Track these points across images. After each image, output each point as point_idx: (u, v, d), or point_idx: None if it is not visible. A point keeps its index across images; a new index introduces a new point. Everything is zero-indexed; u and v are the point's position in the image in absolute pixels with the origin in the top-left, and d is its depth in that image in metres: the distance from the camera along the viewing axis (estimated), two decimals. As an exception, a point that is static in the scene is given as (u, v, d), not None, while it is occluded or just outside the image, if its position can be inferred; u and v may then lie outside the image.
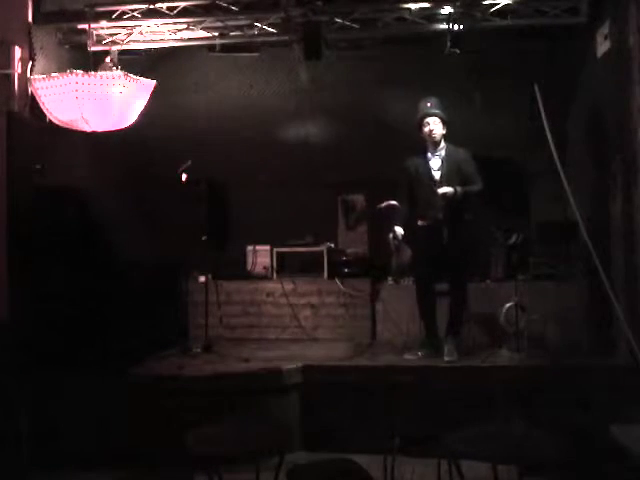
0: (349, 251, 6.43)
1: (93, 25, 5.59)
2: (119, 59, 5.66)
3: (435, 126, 5.05)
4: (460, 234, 5.00)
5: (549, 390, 4.48)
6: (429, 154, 5.14)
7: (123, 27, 5.69)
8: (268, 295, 6.38)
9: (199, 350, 5.51)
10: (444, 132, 5.11)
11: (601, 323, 5.23)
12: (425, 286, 5.21)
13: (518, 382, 4.58)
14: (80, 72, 4.86)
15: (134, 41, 5.77)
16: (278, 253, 6.48)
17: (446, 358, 4.95)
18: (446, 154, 5.10)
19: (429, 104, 5.08)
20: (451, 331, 5.12)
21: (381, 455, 3.37)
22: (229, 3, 5.48)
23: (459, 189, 4.95)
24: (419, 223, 5.12)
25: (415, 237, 5.15)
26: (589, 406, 4.30)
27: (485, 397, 4.40)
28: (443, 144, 5.13)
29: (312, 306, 6.28)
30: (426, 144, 5.16)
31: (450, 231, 4.98)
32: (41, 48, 5.50)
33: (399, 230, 5.11)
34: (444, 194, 4.92)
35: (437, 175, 5.08)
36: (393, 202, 5.10)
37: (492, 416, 3.56)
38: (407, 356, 5.06)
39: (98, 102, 4.88)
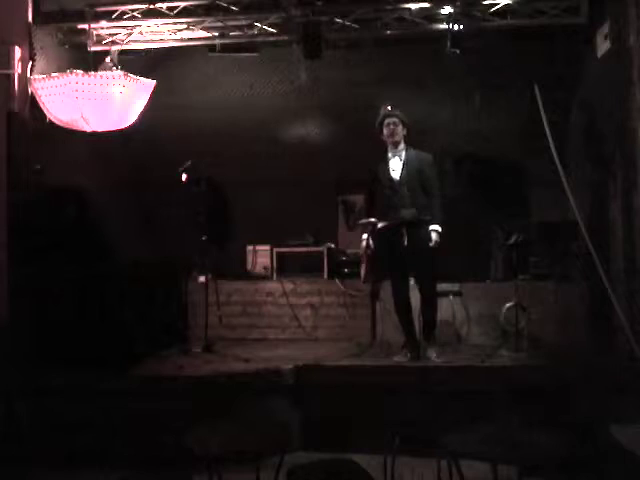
0: (349, 251, 6.43)
1: (93, 25, 5.61)
2: (119, 59, 5.66)
3: (395, 127, 5.06)
4: (420, 235, 4.93)
5: (549, 390, 4.48)
6: (389, 154, 5.13)
7: (123, 27, 5.70)
8: (268, 295, 6.38)
9: (199, 350, 5.50)
10: (404, 133, 5.10)
11: (601, 323, 5.23)
12: (396, 290, 5.18)
13: (518, 382, 4.57)
14: (80, 72, 4.88)
15: (134, 41, 5.78)
16: (278, 253, 6.48)
17: (439, 359, 4.93)
18: (406, 156, 5.09)
19: (389, 107, 5.11)
20: (427, 333, 5.09)
21: (381, 455, 3.36)
22: (229, 3, 5.49)
23: (438, 229, 4.91)
24: (379, 225, 5.08)
25: (376, 238, 5.13)
26: (589, 406, 4.30)
27: (485, 397, 4.40)
28: (403, 145, 5.11)
29: (312, 306, 6.28)
30: (387, 146, 5.15)
31: (410, 232, 4.94)
32: (41, 48, 5.51)
33: (370, 238, 5.13)
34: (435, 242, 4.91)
35: (396, 176, 5.07)
36: (372, 219, 5.10)
37: (492, 416, 3.55)
38: (396, 358, 5.04)
39: (98, 102, 4.89)
